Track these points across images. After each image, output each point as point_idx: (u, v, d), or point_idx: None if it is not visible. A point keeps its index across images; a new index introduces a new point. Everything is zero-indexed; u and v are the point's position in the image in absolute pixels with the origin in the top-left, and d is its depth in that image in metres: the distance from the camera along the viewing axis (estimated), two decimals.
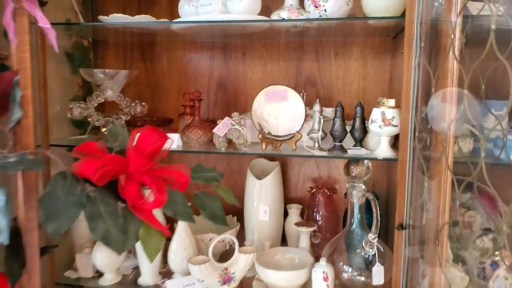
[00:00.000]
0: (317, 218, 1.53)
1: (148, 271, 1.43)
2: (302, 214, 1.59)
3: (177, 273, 1.44)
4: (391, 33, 1.43)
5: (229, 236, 1.41)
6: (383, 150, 1.18)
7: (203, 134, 1.35)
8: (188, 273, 1.36)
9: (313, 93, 1.58)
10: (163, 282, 1.42)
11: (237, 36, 1.56)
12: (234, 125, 1.28)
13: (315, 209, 1.53)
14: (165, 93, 1.72)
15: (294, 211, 1.57)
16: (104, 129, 1.43)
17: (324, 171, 1.63)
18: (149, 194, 0.76)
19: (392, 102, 1.15)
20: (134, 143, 0.82)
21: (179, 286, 1.38)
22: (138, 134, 0.85)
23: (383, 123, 1.14)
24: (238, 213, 1.65)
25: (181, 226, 1.40)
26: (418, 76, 1.00)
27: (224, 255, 1.55)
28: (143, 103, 1.51)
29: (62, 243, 1.57)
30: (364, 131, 1.24)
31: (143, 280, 1.44)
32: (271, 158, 1.66)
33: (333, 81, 1.56)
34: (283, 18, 1.24)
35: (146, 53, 1.71)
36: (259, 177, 1.51)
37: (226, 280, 1.36)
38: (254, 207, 1.51)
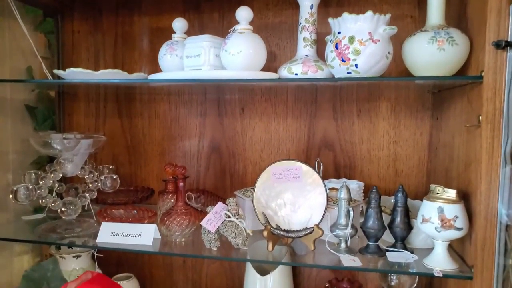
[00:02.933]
0: None
1: None
2: None
3: None
4: (434, 88, 1.11)
5: None
6: (439, 260, 0.84)
7: (189, 223, 1.01)
8: None
9: (329, 158, 1.25)
10: None
11: (234, 90, 1.25)
12: (230, 217, 0.95)
13: None
14: (146, 157, 1.39)
15: None
16: (62, 215, 1.09)
17: None
18: None
19: (452, 193, 0.82)
20: None
21: None
22: None
23: (440, 224, 0.81)
24: None
25: None
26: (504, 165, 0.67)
27: None
28: (114, 176, 1.18)
29: None
30: (409, 227, 0.91)
31: None
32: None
33: (355, 145, 1.24)
34: (296, 74, 0.93)
35: (122, 107, 1.40)
36: (263, 270, 1.16)
37: None
38: None
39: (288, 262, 0.95)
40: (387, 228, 0.92)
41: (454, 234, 0.81)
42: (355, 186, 1.13)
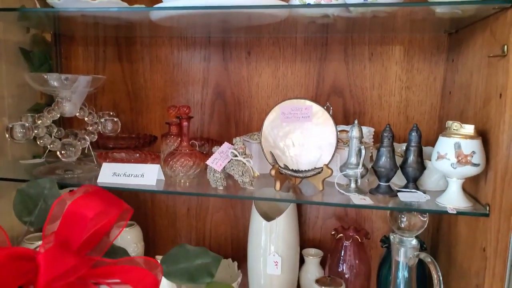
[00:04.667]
0: (344, 270, 1.16)
1: None
2: (322, 263, 1.22)
3: None
4: (451, 27, 1.05)
5: None
6: (453, 198, 0.81)
7: (193, 164, 0.98)
8: None
9: (339, 105, 1.21)
10: None
11: (240, 30, 1.18)
12: (236, 156, 0.91)
13: (341, 259, 1.17)
14: (148, 103, 1.35)
15: (313, 259, 1.20)
16: (61, 157, 1.06)
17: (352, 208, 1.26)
18: None
19: (470, 128, 0.78)
20: (57, 224, 0.46)
21: None
22: (68, 202, 0.48)
23: (456, 161, 0.77)
24: (239, 255, 1.29)
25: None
26: None
27: None
28: (115, 119, 1.14)
29: None
30: (422, 167, 0.88)
31: None
32: None
33: (366, 90, 1.19)
34: (309, 4, 0.87)
35: (122, 51, 1.34)
36: (268, 216, 1.14)
37: None
38: (261, 257, 1.15)
39: (295, 199, 0.92)
40: (399, 168, 0.89)
41: (471, 171, 0.78)
42: (365, 131, 1.08)
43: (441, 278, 0.85)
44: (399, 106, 1.17)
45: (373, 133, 1.12)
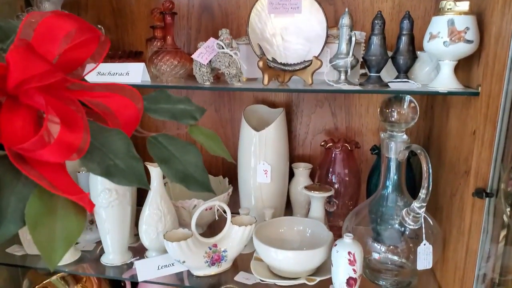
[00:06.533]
0: (333, 180, 1.17)
1: (114, 248, 1.09)
2: (312, 176, 1.23)
3: (151, 251, 1.10)
4: None
5: (219, 202, 1.05)
6: (445, 81, 0.80)
7: (178, 63, 0.95)
8: (166, 251, 1.02)
9: (330, 14, 1.17)
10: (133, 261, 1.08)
11: None
12: (223, 48, 0.88)
13: (330, 169, 1.17)
14: (133, 19, 1.30)
15: (302, 171, 1.21)
16: None
17: (342, 120, 1.26)
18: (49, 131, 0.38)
19: (464, 5, 0.76)
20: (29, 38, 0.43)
21: (153, 268, 1.04)
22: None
23: (449, 38, 0.75)
24: (230, 173, 1.29)
25: (155, 190, 1.05)
26: None
27: (212, 228, 1.21)
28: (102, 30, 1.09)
29: None
30: (413, 55, 0.86)
31: (107, 258, 1.09)
32: (272, 104, 1.28)
33: None
34: None
35: None
36: (257, 128, 1.13)
37: (215, 260, 1.02)
38: (251, 167, 1.15)
39: (284, 88, 0.90)
40: (390, 59, 0.87)
41: (464, 48, 0.76)
42: (358, 35, 1.05)
43: (430, 170, 0.85)
44: (392, 12, 1.14)
45: (365, 37, 1.09)
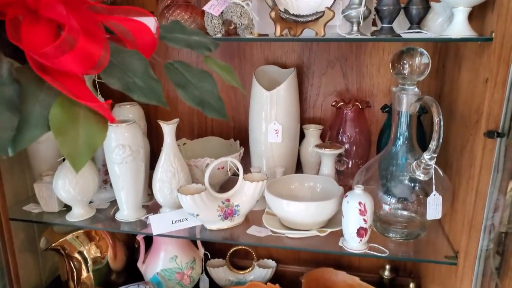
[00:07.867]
0: (344, 140, 1.17)
1: (128, 205, 1.11)
2: (322, 137, 1.24)
3: (165, 207, 1.12)
4: None
5: (231, 159, 1.07)
6: (459, 28, 0.79)
7: (189, 17, 0.96)
8: (180, 207, 1.05)
9: None
10: (147, 218, 1.11)
11: None
12: (235, 0, 0.88)
13: (341, 129, 1.18)
14: None
15: (313, 132, 1.22)
16: None
17: (353, 82, 1.25)
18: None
19: None
20: None
21: (166, 222, 1.07)
22: None
23: None
24: (241, 137, 1.31)
25: (168, 147, 1.06)
26: None
27: (225, 186, 1.23)
28: None
29: (17, 169, 1.24)
30: (427, 5, 0.85)
31: (122, 215, 1.12)
32: (283, 65, 1.28)
33: None
34: None
35: None
36: (268, 89, 1.14)
37: (228, 214, 1.04)
38: (262, 127, 1.16)
39: (296, 38, 0.90)
40: (403, 9, 0.86)
41: None
42: None
43: (441, 122, 0.85)
44: None
45: None
